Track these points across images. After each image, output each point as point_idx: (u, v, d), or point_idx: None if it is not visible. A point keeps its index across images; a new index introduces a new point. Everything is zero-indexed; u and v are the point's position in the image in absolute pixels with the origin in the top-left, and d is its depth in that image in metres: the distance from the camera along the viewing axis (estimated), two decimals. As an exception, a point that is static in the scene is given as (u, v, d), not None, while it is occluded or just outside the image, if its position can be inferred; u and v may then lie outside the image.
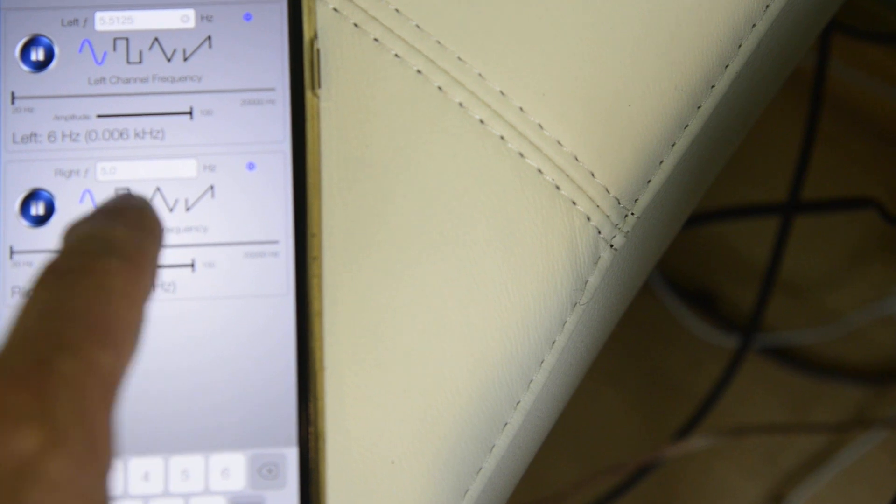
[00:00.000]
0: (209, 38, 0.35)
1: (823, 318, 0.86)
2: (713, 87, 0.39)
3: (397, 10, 0.37)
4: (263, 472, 0.33)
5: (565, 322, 0.38)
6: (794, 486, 0.84)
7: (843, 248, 0.87)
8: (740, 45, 0.39)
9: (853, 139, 0.86)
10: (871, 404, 0.86)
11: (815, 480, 0.84)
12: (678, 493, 0.83)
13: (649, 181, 0.39)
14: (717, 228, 0.86)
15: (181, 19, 0.35)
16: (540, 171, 0.37)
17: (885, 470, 0.83)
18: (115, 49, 0.35)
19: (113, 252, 0.26)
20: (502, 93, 0.37)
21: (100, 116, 0.35)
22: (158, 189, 0.35)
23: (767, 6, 0.40)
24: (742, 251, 0.86)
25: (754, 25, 0.39)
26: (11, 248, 0.34)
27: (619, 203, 0.38)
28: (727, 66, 0.39)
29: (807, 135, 0.68)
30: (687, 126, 0.39)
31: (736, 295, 0.87)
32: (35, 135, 0.35)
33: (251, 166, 0.35)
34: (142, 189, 0.34)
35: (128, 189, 0.35)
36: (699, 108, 0.39)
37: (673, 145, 0.39)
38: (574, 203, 0.37)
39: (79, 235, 0.27)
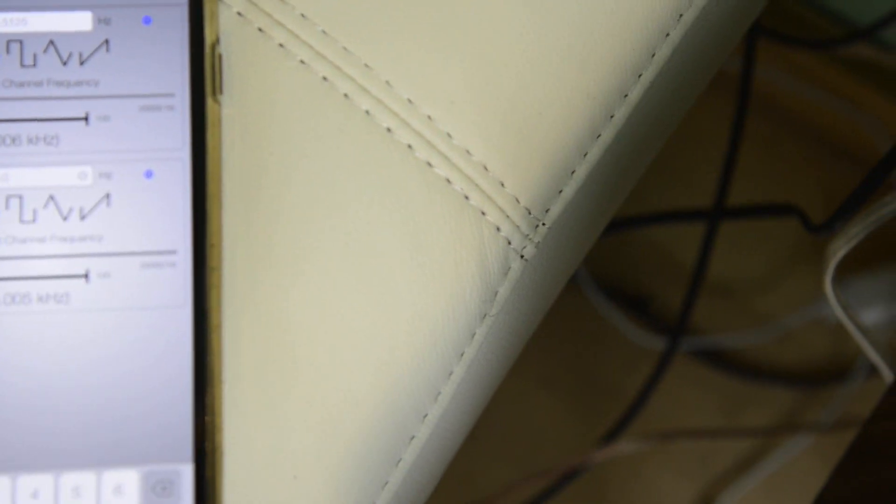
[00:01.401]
0: (107, 41, 0.34)
1: (755, 320, 0.87)
2: (626, 96, 0.39)
3: (303, 15, 0.36)
4: (157, 490, 0.32)
5: (474, 334, 0.37)
6: (724, 488, 0.84)
7: (774, 251, 0.87)
8: (654, 55, 0.39)
9: (781, 142, 0.87)
10: (802, 407, 0.86)
11: (745, 483, 0.84)
12: (608, 495, 0.83)
13: (561, 191, 0.38)
14: (647, 230, 0.86)
15: (78, 22, 0.34)
16: (448, 180, 0.36)
17: (814, 473, 0.84)
18: (8, 52, 0.34)
19: None
20: (410, 101, 0.36)
21: None
22: (52, 197, 0.34)
23: (681, 15, 0.39)
24: (673, 254, 0.87)
25: (668, 35, 0.39)
26: None
27: (530, 213, 0.38)
28: (640, 76, 0.39)
29: (732, 138, 0.68)
30: (599, 136, 0.39)
31: (667, 296, 0.87)
32: (-76, 140, 0.33)
33: (149, 174, 0.34)
34: (35, 196, 0.33)
35: (20, 196, 0.33)
36: (612, 117, 0.39)
37: (585, 155, 0.38)
38: (483, 213, 0.37)
39: None
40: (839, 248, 0.51)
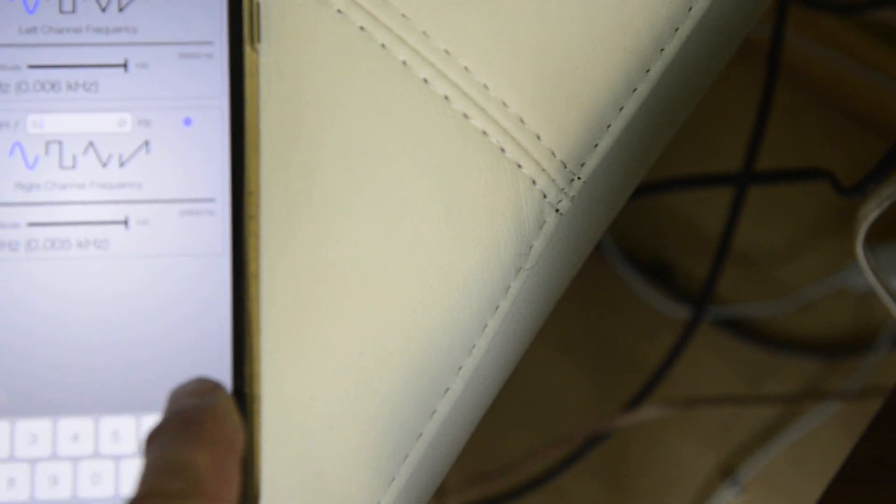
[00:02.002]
0: (145, -12, 0.34)
1: (778, 290, 0.87)
2: (662, 50, 0.38)
3: (341, -35, 0.36)
4: (196, 435, 0.32)
5: (509, 287, 0.37)
6: (746, 457, 0.84)
7: (798, 221, 0.87)
8: (690, 8, 0.39)
9: (809, 110, 0.86)
10: (824, 377, 0.86)
11: (767, 452, 0.84)
12: (629, 463, 0.83)
13: (596, 145, 0.38)
14: (671, 198, 0.86)
15: None
16: (485, 132, 0.36)
17: (837, 442, 0.84)
18: None
19: (198, 492, 0.27)
20: (447, 52, 0.36)
21: (31, 67, 0.34)
22: (91, 143, 0.34)
23: (719, -31, 0.39)
24: (697, 222, 0.86)
25: (706, -12, 0.39)
26: (-62, 201, 0.33)
27: (566, 167, 0.37)
28: (677, 30, 0.39)
29: (762, 105, 0.68)
30: (635, 90, 0.38)
31: (691, 266, 0.86)
32: (-37, 85, 0.33)
33: (188, 122, 0.34)
34: (74, 142, 0.33)
35: (60, 142, 0.33)
36: (648, 71, 0.38)
37: (621, 109, 0.38)
38: (519, 166, 0.37)
39: (157, 467, 0.28)
40: (871, 211, 0.51)
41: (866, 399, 0.83)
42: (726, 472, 0.85)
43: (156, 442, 0.29)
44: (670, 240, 0.87)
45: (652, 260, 0.87)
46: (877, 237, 0.54)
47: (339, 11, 0.36)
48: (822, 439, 0.85)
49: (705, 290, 0.77)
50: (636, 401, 0.78)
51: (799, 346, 0.86)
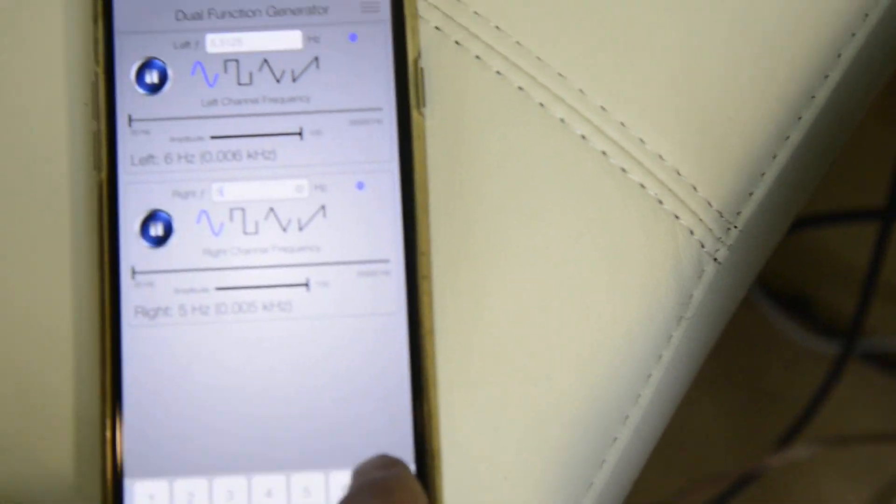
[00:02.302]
0: (316, 58, 0.36)
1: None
2: (813, 97, 0.39)
3: (497, 27, 0.37)
4: (378, 488, 0.34)
5: (671, 336, 0.38)
6: (899, 494, 0.83)
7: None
8: (840, 55, 0.39)
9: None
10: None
11: (922, 489, 0.82)
12: (779, 503, 0.83)
13: (751, 194, 0.39)
14: (814, 233, 0.85)
15: (289, 40, 0.36)
16: (642, 185, 0.37)
17: None
18: (226, 71, 0.36)
19: None
20: (603, 108, 0.37)
21: (213, 138, 0.36)
22: (271, 209, 0.35)
23: (867, 15, 0.39)
24: (840, 255, 0.85)
25: (854, 34, 0.39)
26: (133, 268, 0.35)
27: (722, 216, 0.38)
28: (827, 77, 0.39)
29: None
30: (788, 137, 0.39)
31: (835, 300, 0.86)
32: (152, 157, 0.36)
33: (360, 185, 0.35)
34: (256, 208, 0.35)
35: (243, 209, 0.35)
36: (800, 119, 0.39)
37: (774, 157, 0.39)
38: (677, 217, 0.38)
39: None
40: None
41: None
42: (879, 510, 0.83)
43: None
44: (814, 274, 0.87)
45: (794, 294, 0.86)
46: None
47: (498, 73, 0.37)
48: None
49: (854, 324, 0.76)
50: (786, 439, 0.77)
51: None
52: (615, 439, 0.37)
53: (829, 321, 0.85)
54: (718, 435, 0.85)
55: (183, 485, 0.34)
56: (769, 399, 0.85)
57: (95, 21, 0.36)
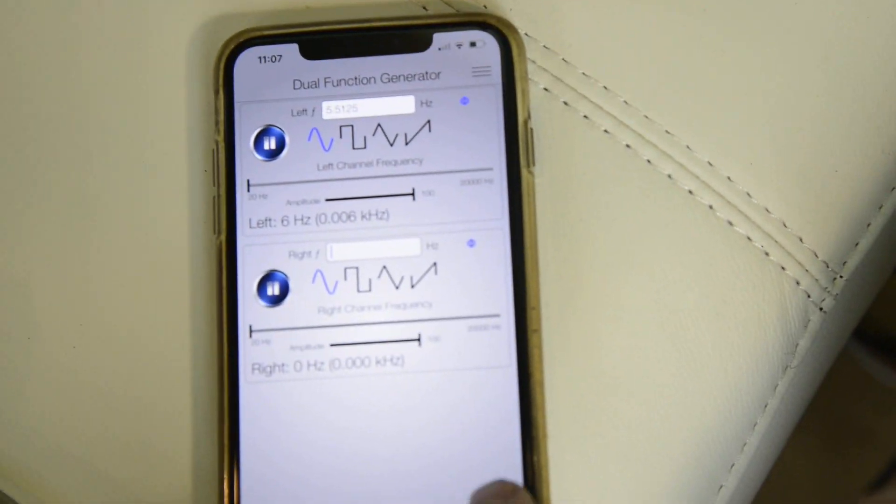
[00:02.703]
0: (429, 122, 0.37)
1: None
2: (919, 153, 0.39)
3: (605, 88, 0.38)
4: (494, 542, 0.34)
5: (777, 385, 0.38)
6: None
7: None
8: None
9: None
10: None
11: None
12: (872, 545, 0.82)
13: (857, 244, 0.39)
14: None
15: (402, 105, 0.37)
16: (749, 238, 0.38)
17: None
18: (341, 136, 0.37)
19: None
20: (710, 163, 0.38)
21: (328, 200, 0.37)
22: (384, 267, 0.36)
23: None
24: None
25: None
26: (251, 327, 0.36)
27: (828, 266, 0.39)
28: (933, 128, 0.39)
29: None
30: (894, 188, 0.39)
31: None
32: (269, 219, 0.37)
33: (471, 243, 0.36)
34: (369, 267, 0.36)
35: (357, 268, 0.36)
36: (905, 171, 0.39)
37: (880, 208, 0.39)
38: (783, 268, 0.38)
39: None
40: None
41: None
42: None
43: None
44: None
45: (886, 335, 0.85)
46: None
47: (605, 132, 0.38)
48: None
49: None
50: (878, 483, 0.76)
51: None
52: (721, 487, 0.38)
53: (918, 361, 0.84)
54: (808, 478, 0.84)
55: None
56: (860, 442, 0.84)
57: (217, 92, 0.37)
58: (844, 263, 0.39)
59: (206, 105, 0.38)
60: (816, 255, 0.38)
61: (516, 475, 0.35)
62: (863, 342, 0.84)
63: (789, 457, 0.84)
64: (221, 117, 0.37)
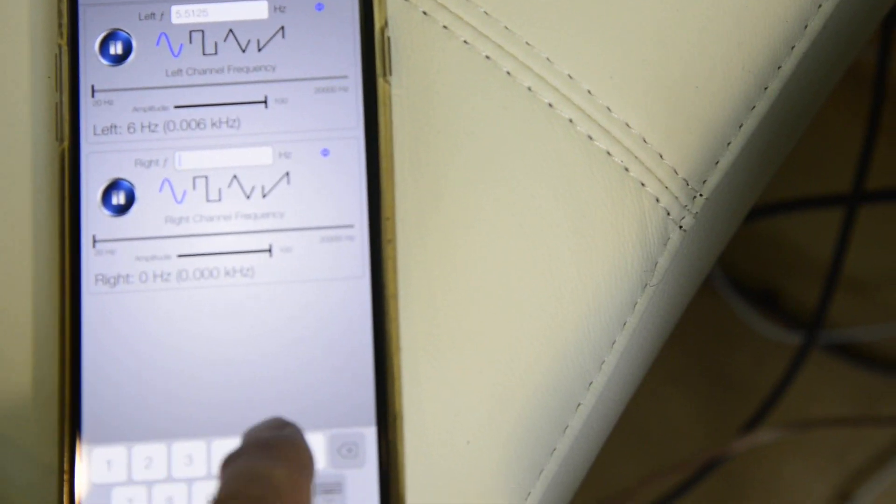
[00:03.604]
0: (282, 28, 0.36)
1: (891, 314, 0.86)
2: (780, 68, 0.39)
3: (465, -2, 0.37)
4: (343, 452, 0.34)
5: (636, 303, 0.38)
6: (863, 483, 0.83)
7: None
8: (806, 26, 0.39)
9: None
10: (940, 400, 0.85)
11: (884, 477, 0.83)
12: (744, 490, 0.83)
13: (717, 162, 0.39)
14: (779, 225, 0.86)
15: (255, 10, 0.36)
16: (609, 153, 0.37)
17: (956, 465, 0.82)
18: (191, 41, 0.36)
19: (275, 497, 0.28)
20: (570, 76, 0.37)
21: (177, 107, 0.36)
22: (235, 177, 0.35)
23: (833, -14, 0.40)
24: (805, 247, 0.86)
25: (820, 6, 0.39)
26: (94, 237, 0.35)
27: (688, 184, 0.38)
28: (793, 47, 0.39)
29: (869, 127, 0.68)
30: (754, 107, 0.39)
31: (799, 292, 0.86)
32: (115, 126, 0.35)
33: (325, 152, 0.35)
34: (219, 176, 0.35)
35: (206, 177, 0.35)
36: (766, 89, 0.39)
37: (740, 126, 0.39)
38: (643, 184, 0.38)
39: (239, 474, 0.29)
40: None
41: None
42: (843, 497, 0.84)
43: (234, 461, 0.30)
44: (779, 265, 0.87)
45: (760, 287, 0.87)
46: None
47: (465, 42, 0.37)
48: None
49: (817, 316, 0.77)
50: (750, 425, 0.78)
51: (913, 370, 0.85)
52: (579, 405, 0.37)
53: (793, 313, 0.86)
54: (685, 424, 0.85)
55: (141, 450, 0.34)
56: (735, 389, 0.85)
57: (59, -7, 0.36)
58: (704, 182, 0.39)
59: (50, 7, 0.37)
60: (676, 173, 0.38)
61: (367, 386, 0.34)
62: (740, 293, 0.85)
63: (667, 406, 0.85)
64: (65, 20, 0.36)
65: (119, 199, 0.35)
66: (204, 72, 0.36)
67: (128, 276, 0.35)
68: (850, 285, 0.85)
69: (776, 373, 0.80)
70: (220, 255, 0.35)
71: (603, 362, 0.38)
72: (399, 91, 0.37)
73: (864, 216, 0.80)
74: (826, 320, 0.81)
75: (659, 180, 0.38)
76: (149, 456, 0.34)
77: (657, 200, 0.38)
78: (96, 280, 0.35)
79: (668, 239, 0.38)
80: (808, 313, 0.84)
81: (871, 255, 0.86)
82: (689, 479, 0.78)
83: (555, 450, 0.37)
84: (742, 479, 0.83)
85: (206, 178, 0.35)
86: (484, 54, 0.37)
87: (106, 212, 0.35)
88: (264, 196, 0.35)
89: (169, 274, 0.35)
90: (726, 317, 0.86)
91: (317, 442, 0.34)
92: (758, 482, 0.83)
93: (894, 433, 0.84)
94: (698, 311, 0.85)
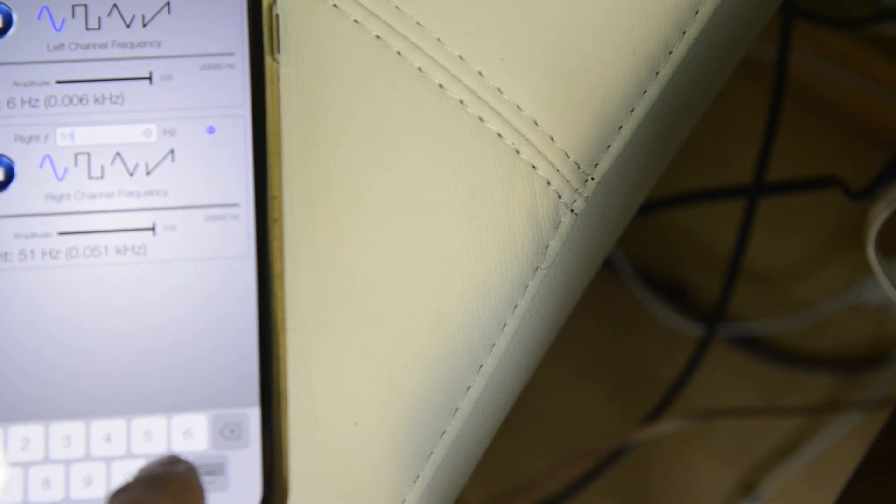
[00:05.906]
0: (168, 3, 0.35)
1: (793, 306, 0.87)
2: (671, 53, 0.39)
3: (356, -23, 0.37)
4: (226, 433, 0.33)
5: (527, 286, 0.38)
6: (766, 473, 0.85)
7: (811, 236, 0.87)
8: (697, 12, 0.40)
9: (816, 127, 0.87)
10: (842, 393, 0.86)
11: (788, 467, 0.84)
12: (649, 480, 0.84)
13: (609, 146, 0.39)
14: (683, 216, 0.87)
15: None
16: (499, 135, 0.37)
17: (858, 456, 0.84)
18: (73, 15, 0.35)
19: None
20: (461, 57, 0.37)
21: (59, 82, 0.35)
22: (118, 153, 0.35)
23: (723, -27, 0.40)
24: (710, 239, 0.87)
25: (710, -8, 0.40)
26: (-29, 213, 0.34)
27: (579, 168, 0.38)
28: (684, 33, 0.40)
29: (770, 120, 0.69)
30: (645, 92, 0.39)
31: (705, 283, 0.87)
32: (-6, 101, 0.35)
33: (211, 130, 0.35)
34: (102, 153, 0.34)
35: (88, 154, 0.35)
36: (657, 73, 0.39)
37: (632, 111, 0.39)
38: (534, 167, 0.38)
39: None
40: (881, 213, 0.52)
41: (885, 412, 0.83)
42: (748, 487, 0.85)
43: (121, 494, 0.29)
44: (684, 258, 0.88)
45: (666, 279, 0.87)
46: (891, 251, 0.55)
47: (355, 21, 0.37)
48: (843, 453, 0.85)
49: (717, 308, 0.78)
50: (654, 415, 0.78)
51: (815, 362, 0.87)
52: (469, 387, 0.37)
53: (699, 305, 0.87)
54: (593, 416, 0.86)
55: (18, 431, 0.33)
56: (643, 381, 0.86)
57: (-68, -44, 0.35)
58: (596, 166, 0.39)
59: (-74, -23, 0.36)
60: (567, 156, 0.38)
61: (252, 366, 0.34)
62: (647, 285, 0.86)
63: (576, 398, 0.85)
64: (-58, -9, 0.35)
65: (-2, 175, 0.34)
66: (87, 47, 0.35)
67: (7, 253, 0.34)
68: (754, 278, 0.86)
69: (682, 364, 0.81)
70: (102, 232, 0.34)
71: (493, 345, 0.38)
72: (288, 70, 0.36)
73: (768, 209, 0.82)
74: (728, 313, 0.82)
75: (550, 163, 0.38)
76: (25, 437, 0.33)
77: (548, 183, 0.38)
78: (-27, 257, 0.34)
79: (560, 222, 0.38)
80: (712, 305, 0.85)
81: (775, 248, 0.87)
82: (593, 469, 0.78)
83: (444, 432, 0.37)
84: (646, 470, 0.83)
85: (89, 154, 0.35)
86: (374, 34, 0.37)
87: (-16, 188, 0.34)
88: (148, 174, 0.35)
89: (49, 252, 0.34)
90: (634, 309, 0.87)
91: (199, 422, 0.33)
92: (662, 472, 0.84)
93: (797, 424, 0.85)
94: (606, 302, 0.86)
